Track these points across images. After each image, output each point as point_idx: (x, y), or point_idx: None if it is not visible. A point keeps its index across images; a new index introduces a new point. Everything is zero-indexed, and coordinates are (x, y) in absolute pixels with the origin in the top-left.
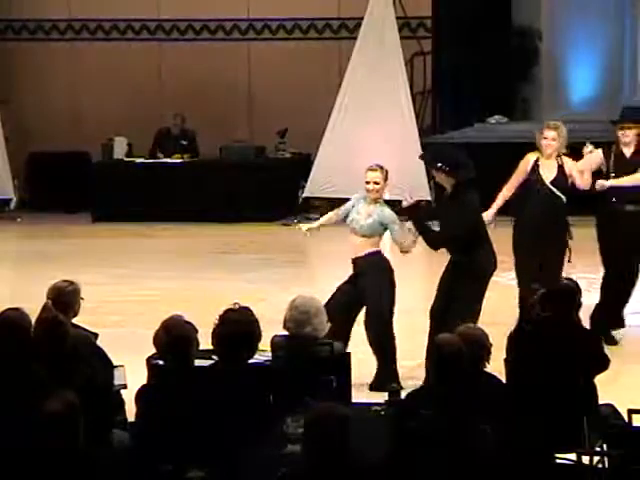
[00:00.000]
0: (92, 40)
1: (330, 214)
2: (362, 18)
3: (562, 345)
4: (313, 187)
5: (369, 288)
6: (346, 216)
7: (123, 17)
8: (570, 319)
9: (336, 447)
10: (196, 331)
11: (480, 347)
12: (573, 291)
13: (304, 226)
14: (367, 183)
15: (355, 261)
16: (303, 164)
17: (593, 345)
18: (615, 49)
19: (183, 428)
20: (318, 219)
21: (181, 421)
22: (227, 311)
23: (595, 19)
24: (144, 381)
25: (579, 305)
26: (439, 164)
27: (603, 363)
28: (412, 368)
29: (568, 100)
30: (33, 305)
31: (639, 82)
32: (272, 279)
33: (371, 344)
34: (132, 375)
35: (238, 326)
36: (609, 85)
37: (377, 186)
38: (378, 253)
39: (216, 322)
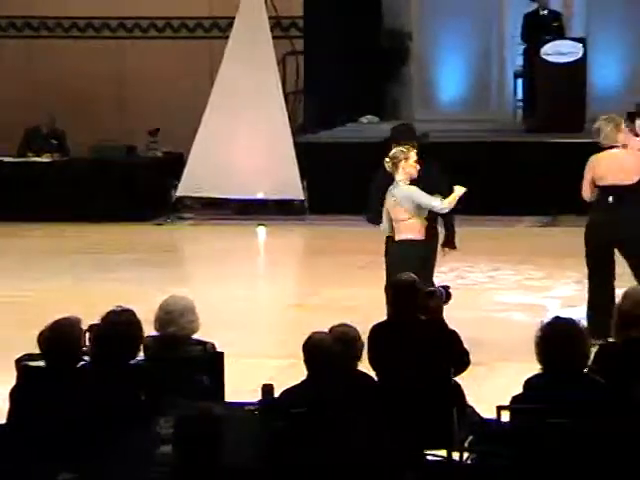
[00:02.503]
0: None
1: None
2: (234, 17)
3: (405, 345)
4: (186, 186)
5: None
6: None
7: None
8: (409, 316)
9: (206, 447)
10: (81, 331)
11: (352, 345)
12: (407, 286)
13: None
14: (416, 162)
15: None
16: (175, 163)
17: (446, 341)
18: (483, 51)
19: (54, 429)
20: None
21: (52, 422)
22: (109, 313)
23: (465, 21)
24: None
25: (419, 298)
26: None
27: (460, 359)
28: None
29: (437, 100)
30: None
31: (506, 83)
32: (145, 279)
33: None
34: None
35: (116, 328)
36: (477, 86)
37: None
38: None
39: (96, 322)
